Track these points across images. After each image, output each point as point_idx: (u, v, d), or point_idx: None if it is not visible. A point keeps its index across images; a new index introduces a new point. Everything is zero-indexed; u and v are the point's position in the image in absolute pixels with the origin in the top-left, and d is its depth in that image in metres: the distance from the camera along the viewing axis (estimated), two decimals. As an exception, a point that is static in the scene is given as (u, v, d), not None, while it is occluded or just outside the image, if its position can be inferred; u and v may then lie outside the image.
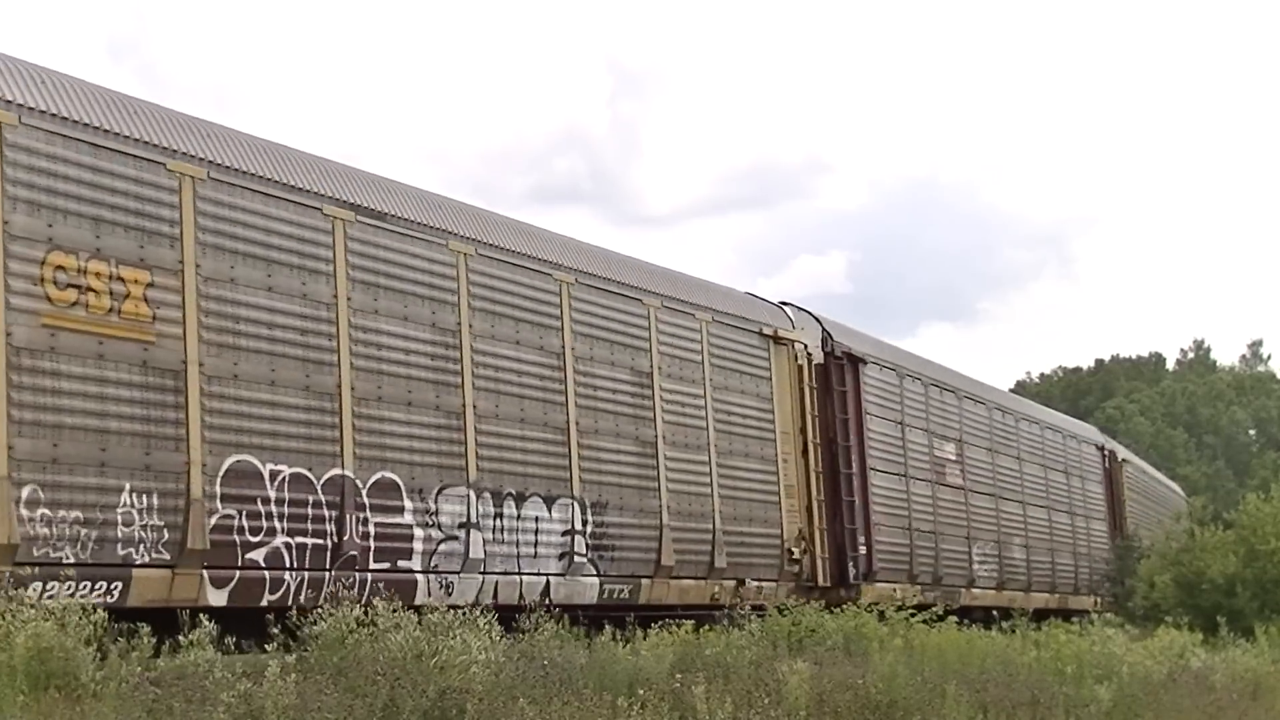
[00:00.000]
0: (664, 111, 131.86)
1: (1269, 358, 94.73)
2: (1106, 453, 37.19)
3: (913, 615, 17.77)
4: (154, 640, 10.77)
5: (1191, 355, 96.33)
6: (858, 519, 22.90)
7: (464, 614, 12.44)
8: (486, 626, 12.27)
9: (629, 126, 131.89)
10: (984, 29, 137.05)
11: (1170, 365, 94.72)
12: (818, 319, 23.17)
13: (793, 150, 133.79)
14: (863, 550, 22.95)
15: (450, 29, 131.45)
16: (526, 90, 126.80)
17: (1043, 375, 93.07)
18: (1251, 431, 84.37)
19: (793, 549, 21.31)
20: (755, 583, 20.36)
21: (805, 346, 22.39)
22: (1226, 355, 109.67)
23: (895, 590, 22.93)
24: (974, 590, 27.03)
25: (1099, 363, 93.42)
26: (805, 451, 22.04)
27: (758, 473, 21.03)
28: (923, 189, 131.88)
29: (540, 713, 10.24)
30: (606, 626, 15.41)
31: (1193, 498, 41.41)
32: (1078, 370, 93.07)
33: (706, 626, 15.75)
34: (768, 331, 21.73)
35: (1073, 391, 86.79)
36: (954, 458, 27.25)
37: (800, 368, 22.20)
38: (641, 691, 11.33)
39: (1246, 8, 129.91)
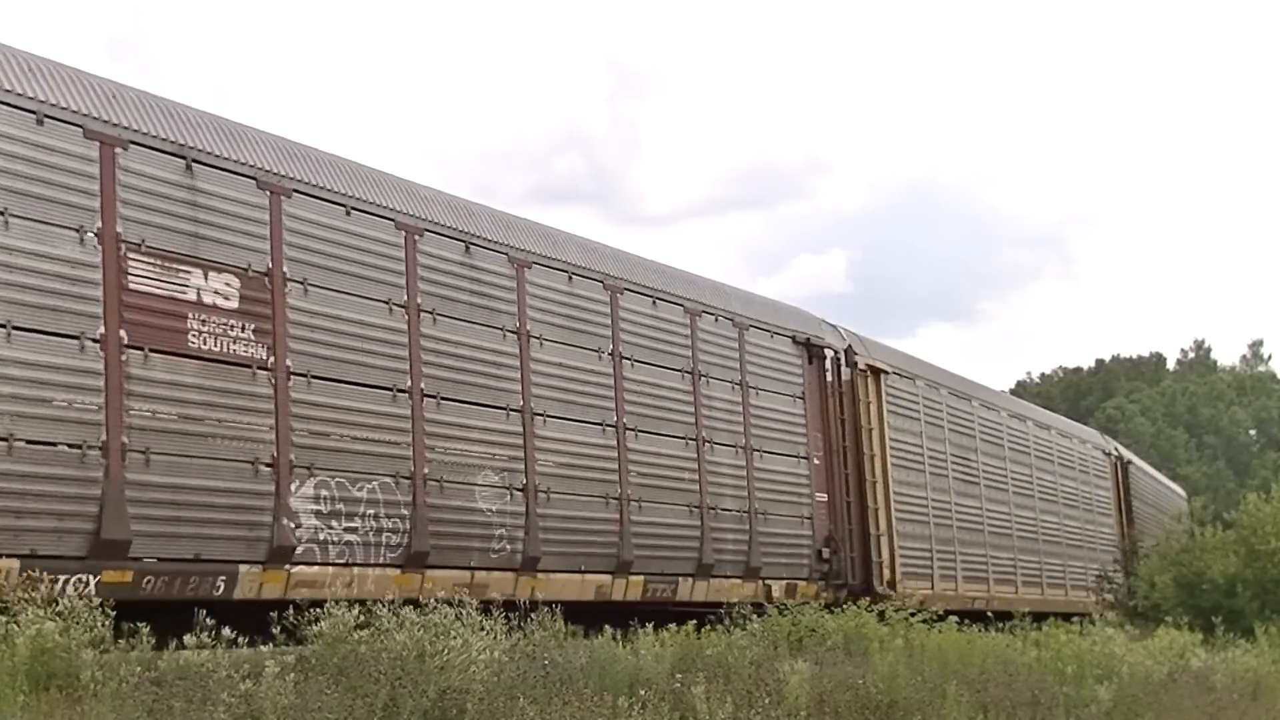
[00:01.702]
0: (664, 111, 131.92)
1: (1269, 358, 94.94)
2: (833, 357, 22.99)
3: (912, 615, 17.78)
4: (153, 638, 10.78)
5: (1192, 355, 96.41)
6: None
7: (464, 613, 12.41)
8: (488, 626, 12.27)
9: (629, 126, 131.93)
10: (983, 30, 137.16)
11: (1170, 365, 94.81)
12: None
13: (792, 150, 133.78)
14: None
15: (450, 29, 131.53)
16: (526, 90, 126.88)
17: (1043, 375, 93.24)
18: (1252, 431, 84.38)
19: None
20: None
21: None
22: (1227, 355, 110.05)
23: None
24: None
25: (1099, 363, 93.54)
26: None
27: None
28: (922, 189, 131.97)
29: (540, 713, 10.25)
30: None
31: (1193, 499, 40.21)
32: (1078, 370, 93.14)
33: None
34: None
35: (1073, 392, 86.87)
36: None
37: None
38: (642, 691, 11.35)
39: (1246, 8, 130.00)
